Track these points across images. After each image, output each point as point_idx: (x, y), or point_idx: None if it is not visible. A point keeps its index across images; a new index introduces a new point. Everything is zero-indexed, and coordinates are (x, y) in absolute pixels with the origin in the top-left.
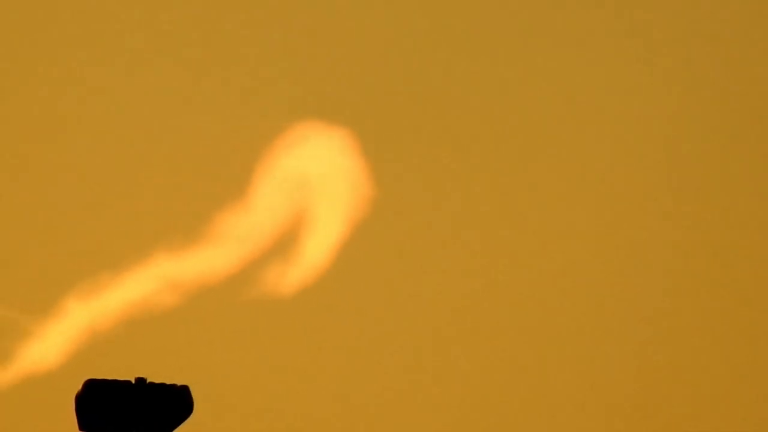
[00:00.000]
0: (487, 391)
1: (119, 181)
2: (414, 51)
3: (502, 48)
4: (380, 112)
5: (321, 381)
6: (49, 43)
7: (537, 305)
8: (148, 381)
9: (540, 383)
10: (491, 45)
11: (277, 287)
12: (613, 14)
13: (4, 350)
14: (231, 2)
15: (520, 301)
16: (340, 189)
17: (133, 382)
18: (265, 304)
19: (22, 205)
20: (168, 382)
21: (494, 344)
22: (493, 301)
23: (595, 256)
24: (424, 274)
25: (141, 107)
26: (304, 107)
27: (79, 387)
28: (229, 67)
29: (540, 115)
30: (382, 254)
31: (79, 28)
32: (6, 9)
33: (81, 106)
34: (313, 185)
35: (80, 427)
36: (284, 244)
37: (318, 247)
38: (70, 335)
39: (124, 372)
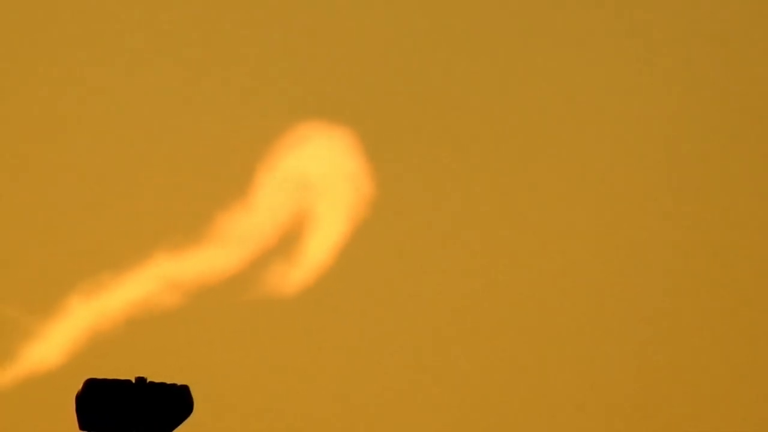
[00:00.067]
0: (487, 391)
1: (121, 181)
2: (415, 51)
3: (503, 48)
4: (382, 112)
5: (322, 381)
6: (49, 43)
7: (537, 305)
8: (148, 381)
9: (540, 383)
10: (492, 45)
11: (279, 287)
12: (613, 14)
13: (6, 350)
14: (232, 2)
15: (520, 301)
16: (341, 189)
17: (133, 381)
18: (266, 304)
19: (24, 205)
20: (170, 382)
21: (495, 344)
22: (494, 301)
23: (595, 256)
24: (426, 274)
25: (142, 107)
26: (306, 107)
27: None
28: (231, 67)
29: (541, 115)
30: (383, 254)
31: (79, 28)
32: (6, 9)
33: (83, 106)
34: (314, 185)
35: (80, 427)
36: (286, 243)
37: (319, 247)
38: (71, 335)
39: (126, 372)
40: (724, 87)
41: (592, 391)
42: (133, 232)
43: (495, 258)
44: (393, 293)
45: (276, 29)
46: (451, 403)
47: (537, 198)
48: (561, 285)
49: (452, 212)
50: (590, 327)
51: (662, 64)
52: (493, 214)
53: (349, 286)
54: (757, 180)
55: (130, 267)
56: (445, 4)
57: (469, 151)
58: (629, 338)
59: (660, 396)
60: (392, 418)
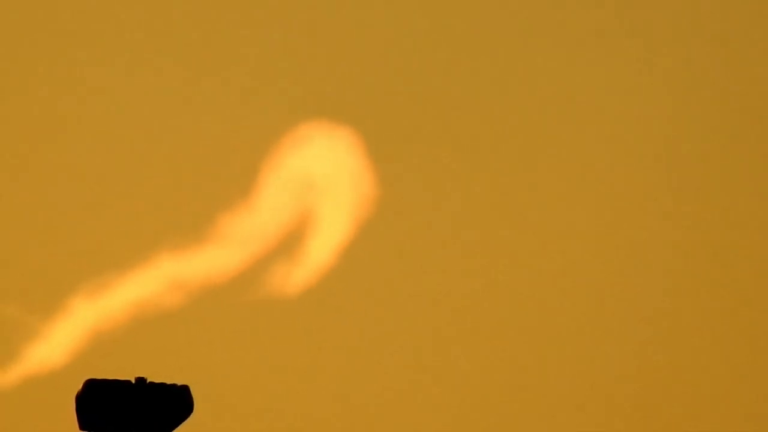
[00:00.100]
0: (491, 391)
1: (124, 181)
2: (419, 51)
3: (506, 48)
4: (385, 112)
5: (325, 381)
6: (54, 43)
7: (540, 305)
8: (148, 381)
9: (541, 383)
10: (495, 45)
11: (282, 287)
12: (613, 14)
13: (9, 350)
14: (235, 2)
15: (523, 300)
16: (344, 189)
17: (133, 381)
18: (269, 304)
19: (27, 205)
20: (173, 382)
21: (498, 344)
22: (497, 301)
23: (596, 256)
24: (429, 274)
25: (146, 107)
26: (309, 107)
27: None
28: (234, 66)
29: (545, 115)
30: (386, 254)
31: (85, 28)
32: (6, 9)
33: (86, 106)
34: (317, 185)
35: (80, 427)
36: (289, 243)
37: (322, 247)
38: (74, 335)
39: (129, 372)
40: (724, 87)
41: (592, 390)
42: (136, 232)
43: (498, 258)
44: (396, 293)
45: (278, 29)
46: (455, 403)
47: (540, 198)
48: (564, 285)
49: (455, 212)
50: (590, 327)
51: (662, 64)
52: (496, 214)
53: (352, 287)
54: (757, 180)
55: (133, 267)
56: (447, 4)
57: (472, 151)
58: (629, 338)
59: (660, 396)
60: (396, 418)
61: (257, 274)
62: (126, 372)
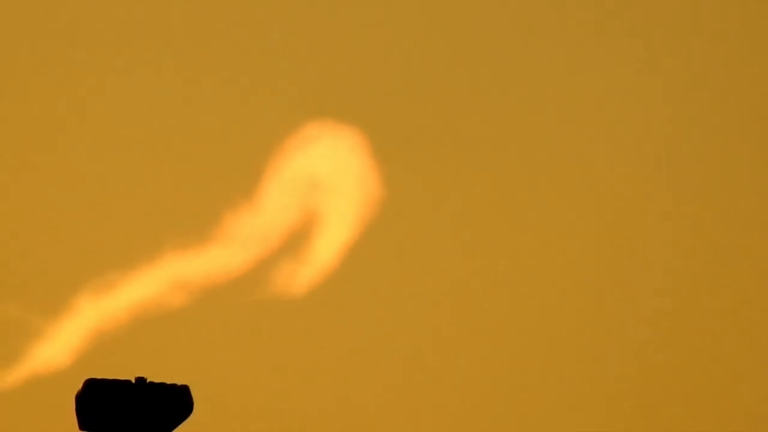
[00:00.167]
0: (495, 390)
1: (128, 180)
2: (425, 51)
3: (512, 49)
4: (391, 111)
5: (330, 381)
6: (69, 44)
7: (546, 305)
8: (148, 381)
9: (545, 384)
10: (501, 46)
11: (287, 287)
12: (613, 14)
13: (13, 350)
14: (241, 1)
15: (530, 301)
16: (350, 189)
17: (134, 381)
18: (274, 304)
19: (31, 205)
20: (179, 382)
21: (504, 344)
22: (503, 301)
23: (599, 256)
24: (435, 274)
25: (150, 106)
26: (314, 107)
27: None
28: (239, 66)
29: (551, 116)
30: (392, 254)
31: (94, 28)
32: (6, 9)
33: (91, 106)
34: (323, 185)
35: (80, 427)
36: (294, 244)
37: (328, 247)
38: (79, 335)
39: (134, 372)
40: (724, 87)
41: (592, 391)
42: (140, 231)
43: (505, 258)
44: (401, 293)
45: (284, 28)
46: (460, 402)
47: (547, 199)
48: (567, 285)
49: (461, 213)
50: (591, 327)
51: (662, 64)
52: (502, 215)
53: (357, 287)
54: (757, 180)
55: (137, 267)
56: (453, 5)
57: (478, 152)
58: (629, 338)
59: (660, 396)
60: (401, 418)
61: (262, 274)
62: (130, 372)
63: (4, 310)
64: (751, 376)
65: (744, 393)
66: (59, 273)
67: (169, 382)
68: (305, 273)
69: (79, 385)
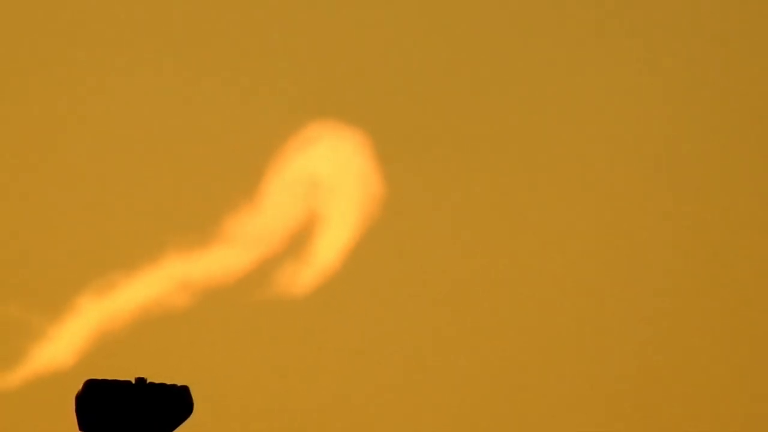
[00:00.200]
0: (497, 391)
1: (131, 181)
2: (427, 51)
3: (514, 49)
4: (393, 112)
5: (332, 382)
6: (82, 42)
7: (549, 306)
8: (148, 381)
9: (549, 384)
10: (503, 46)
11: (289, 288)
12: (614, 14)
13: (16, 350)
14: (243, 1)
15: (533, 301)
16: (352, 189)
17: (133, 382)
18: (276, 305)
19: (33, 205)
20: (180, 383)
21: (505, 344)
22: (504, 302)
23: (606, 256)
24: (437, 275)
25: (152, 107)
26: (316, 107)
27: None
28: (241, 66)
29: (553, 116)
30: (394, 255)
31: (98, 29)
32: (6, 9)
33: (93, 106)
34: (324, 185)
35: (80, 428)
36: (296, 244)
37: (330, 248)
38: (81, 335)
39: (136, 373)
40: (724, 87)
41: (592, 391)
42: (142, 232)
43: (506, 258)
44: (404, 294)
45: (285, 28)
46: (463, 403)
47: (550, 200)
48: (571, 285)
49: (463, 213)
50: (591, 327)
51: (662, 64)
52: (505, 215)
53: (360, 287)
54: (757, 180)
55: (139, 267)
56: (456, 6)
57: (480, 151)
58: (629, 338)
59: (660, 396)
60: (404, 418)
61: (264, 274)
62: (133, 373)
63: (6, 311)
64: (751, 376)
65: (744, 393)
66: (61, 273)
67: (171, 382)
68: (307, 273)
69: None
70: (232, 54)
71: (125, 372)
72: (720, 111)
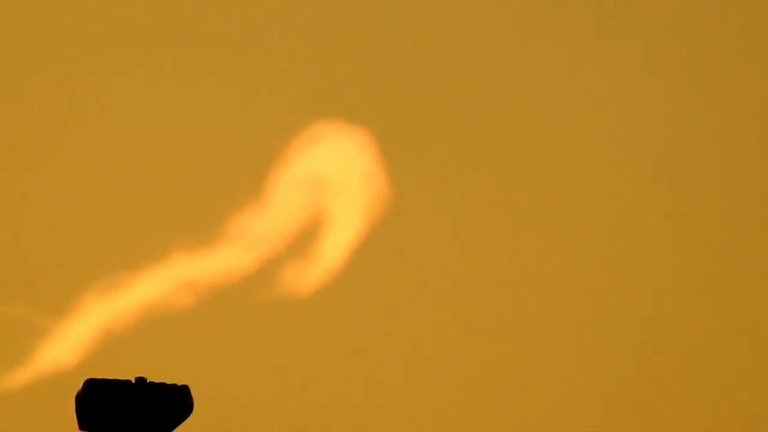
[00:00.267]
0: (498, 391)
1: (136, 180)
2: (433, 51)
3: (518, 49)
4: (398, 111)
5: (337, 382)
6: (83, 42)
7: (549, 305)
8: (148, 381)
9: (549, 384)
10: (507, 45)
11: (294, 287)
12: (614, 14)
13: (20, 350)
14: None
15: (536, 301)
16: (357, 189)
17: (133, 381)
18: (281, 305)
19: (37, 204)
20: (186, 383)
21: (508, 344)
22: (508, 301)
23: (606, 256)
24: (442, 275)
25: (158, 105)
26: (321, 106)
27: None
28: (246, 65)
29: (560, 116)
30: (399, 254)
31: (100, 27)
32: (6, 9)
33: (98, 105)
34: (329, 185)
35: (80, 427)
36: (301, 244)
37: (335, 247)
38: (85, 335)
39: (140, 373)
40: (725, 87)
41: (592, 391)
42: (147, 231)
43: (511, 258)
44: (409, 293)
45: (290, 27)
46: (467, 403)
47: (555, 199)
48: (571, 285)
49: (468, 213)
50: (592, 327)
51: (662, 64)
52: (510, 215)
53: (365, 287)
54: (757, 180)
55: (144, 267)
56: (462, 5)
57: (486, 151)
58: (629, 338)
59: (660, 396)
60: (407, 418)
61: (269, 274)
62: (137, 373)
63: (10, 311)
64: (751, 376)
65: (744, 393)
66: (66, 273)
67: (178, 382)
68: (312, 273)
69: None
70: (237, 53)
71: (130, 372)
72: (720, 111)
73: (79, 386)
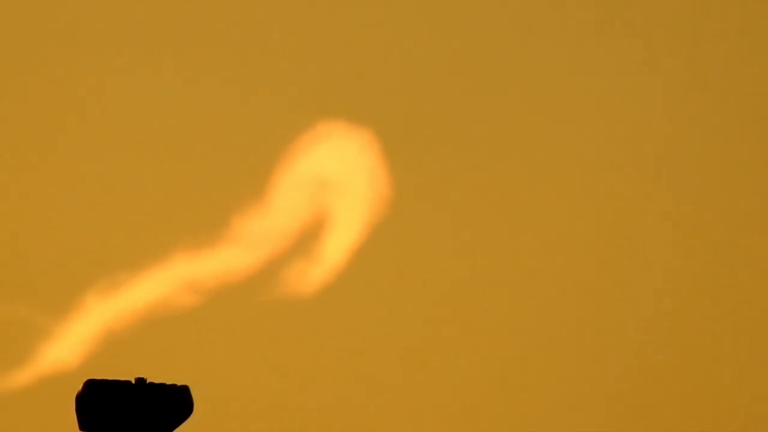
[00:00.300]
0: (498, 391)
1: (138, 180)
2: (435, 51)
3: (519, 49)
4: (400, 111)
5: (339, 382)
6: (83, 42)
7: (550, 305)
8: (147, 381)
9: (549, 384)
10: (509, 45)
11: (296, 288)
12: (613, 14)
13: (21, 350)
14: (252, 0)
15: (538, 301)
16: (359, 189)
17: (133, 382)
18: (283, 305)
19: (39, 204)
20: (188, 383)
21: (510, 344)
22: (511, 301)
23: (607, 256)
24: (444, 275)
25: (159, 105)
26: (324, 106)
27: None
28: (248, 65)
29: (561, 116)
30: (401, 254)
31: (100, 27)
32: (6, 9)
33: (101, 105)
34: (332, 185)
35: (80, 427)
36: (303, 244)
37: (337, 248)
38: (87, 335)
39: (140, 373)
40: (725, 87)
41: (592, 390)
42: (150, 231)
43: (513, 258)
44: (411, 294)
45: (291, 27)
46: (468, 402)
47: (557, 199)
48: (571, 285)
49: (470, 213)
50: (592, 327)
51: (662, 64)
52: (512, 216)
53: (367, 287)
54: (757, 180)
55: (146, 267)
56: (464, 5)
57: (488, 152)
58: (629, 338)
59: (660, 396)
60: (409, 417)
61: (271, 274)
62: (139, 373)
63: (12, 311)
64: (751, 376)
65: (744, 393)
66: (67, 273)
67: (180, 383)
68: (315, 273)
69: None
70: (239, 53)
71: (131, 372)
72: (720, 111)
73: (80, 386)
